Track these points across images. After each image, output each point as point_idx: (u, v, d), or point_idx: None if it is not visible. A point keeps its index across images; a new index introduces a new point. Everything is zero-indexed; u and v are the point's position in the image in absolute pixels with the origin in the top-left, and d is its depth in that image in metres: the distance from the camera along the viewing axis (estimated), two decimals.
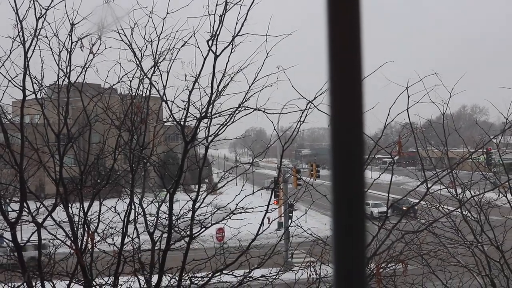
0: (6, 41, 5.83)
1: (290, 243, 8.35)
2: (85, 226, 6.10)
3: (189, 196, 6.53)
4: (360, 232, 1.19)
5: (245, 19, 6.00)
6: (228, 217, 6.73)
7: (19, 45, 5.81)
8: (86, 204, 6.20)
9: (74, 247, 5.93)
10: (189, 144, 6.37)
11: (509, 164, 9.46)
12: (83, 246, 5.99)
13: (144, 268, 6.26)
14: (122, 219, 6.40)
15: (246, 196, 6.68)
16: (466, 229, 8.63)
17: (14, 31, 5.78)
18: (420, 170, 7.74)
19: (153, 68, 6.39)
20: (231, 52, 6.17)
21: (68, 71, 6.20)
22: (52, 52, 6.14)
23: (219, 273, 6.41)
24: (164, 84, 6.36)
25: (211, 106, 6.29)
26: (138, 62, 6.37)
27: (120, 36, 6.26)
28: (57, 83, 6.42)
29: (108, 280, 6.28)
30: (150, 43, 6.32)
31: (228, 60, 6.18)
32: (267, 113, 6.52)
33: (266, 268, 6.66)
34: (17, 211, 5.70)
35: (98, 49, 6.24)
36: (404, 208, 7.19)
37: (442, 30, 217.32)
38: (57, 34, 6.07)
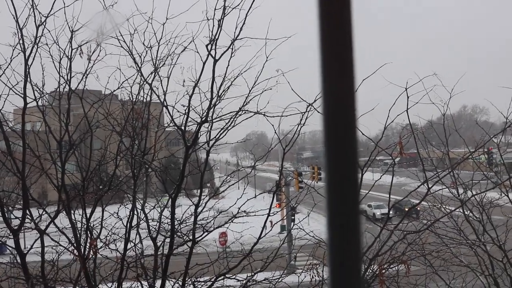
0: (7, 49, 5.85)
1: (292, 245, 8.35)
2: (88, 232, 6.11)
3: (191, 200, 6.53)
4: (355, 231, 1.20)
5: (244, 23, 6.00)
6: (230, 221, 6.73)
7: (19, 53, 5.83)
8: (88, 210, 6.21)
9: (77, 254, 5.93)
10: (190, 149, 6.37)
11: (510, 163, 9.46)
12: (86, 252, 5.99)
13: (147, 273, 6.25)
14: (125, 224, 6.40)
15: (248, 199, 6.65)
16: (468, 229, 8.62)
17: (15, 39, 5.81)
18: (421, 171, 7.74)
19: (153, 74, 6.40)
20: (230, 56, 6.17)
21: (68, 78, 6.23)
22: (53, 59, 6.16)
23: (222, 277, 6.40)
24: (165, 90, 6.37)
25: (211, 110, 6.30)
26: (138, 68, 6.39)
27: (120, 42, 6.28)
28: (58, 90, 6.43)
29: (111, 286, 6.28)
30: (150, 48, 6.34)
31: (228, 64, 6.18)
32: (267, 116, 6.51)
33: (269, 271, 6.67)
34: (20, 219, 5.72)
35: (98, 56, 6.27)
36: (406, 209, 7.18)
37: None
38: (57, 41, 6.09)
